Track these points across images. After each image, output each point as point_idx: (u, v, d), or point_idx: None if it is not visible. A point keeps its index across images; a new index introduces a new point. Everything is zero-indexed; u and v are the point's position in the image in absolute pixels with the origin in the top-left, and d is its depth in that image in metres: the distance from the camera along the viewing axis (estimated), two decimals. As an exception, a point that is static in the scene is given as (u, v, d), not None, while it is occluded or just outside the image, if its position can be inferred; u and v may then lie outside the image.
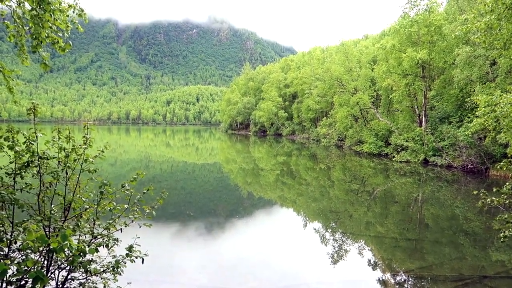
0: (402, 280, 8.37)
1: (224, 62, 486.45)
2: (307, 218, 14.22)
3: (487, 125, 6.91)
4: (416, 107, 35.07)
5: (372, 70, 42.14)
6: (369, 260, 9.62)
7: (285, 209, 16.35)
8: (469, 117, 26.37)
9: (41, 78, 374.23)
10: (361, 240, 11.40)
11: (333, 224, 13.37)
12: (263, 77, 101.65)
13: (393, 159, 33.61)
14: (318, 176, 25.89)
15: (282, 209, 16.44)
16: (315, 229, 12.57)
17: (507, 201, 5.29)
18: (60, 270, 4.55)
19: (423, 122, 33.53)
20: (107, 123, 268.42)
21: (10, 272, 3.49)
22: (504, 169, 5.15)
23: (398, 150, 34.04)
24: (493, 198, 5.52)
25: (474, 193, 6.13)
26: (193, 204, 15.44)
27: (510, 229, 5.34)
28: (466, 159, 26.77)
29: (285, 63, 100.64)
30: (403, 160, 32.31)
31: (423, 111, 33.80)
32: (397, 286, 8.02)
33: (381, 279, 8.35)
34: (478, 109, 7.86)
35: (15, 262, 3.79)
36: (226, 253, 9.83)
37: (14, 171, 4.34)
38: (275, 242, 10.94)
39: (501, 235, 5.36)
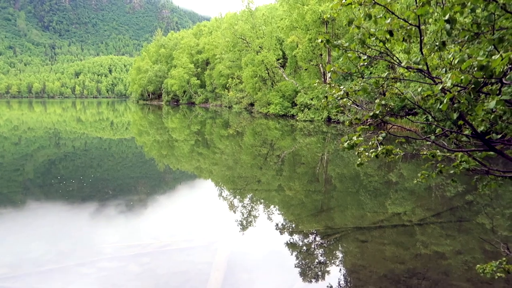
0: (310, 240, 8.07)
1: (139, 31, 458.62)
2: (223, 187, 13.71)
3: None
4: (321, 65, 34.03)
5: (279, 28, 40.26)
6: (277, 224, 9.07)
7: (202, 179, 15.54)
8: (370, 72, 25.64)
9: None
10: (271, 205, 10.93)
11: (248, 190, 12.66)
12: (175, 43, 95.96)
13: (298, 119, 32.56)
14: (231, 143, 24.64)
15: (199, 180, 15.54)
16: (230, 197, 12.04)
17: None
18: None
19: (327, 80, 32.63)
20: (5, 97, 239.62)
21: None
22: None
23: (302, 109, 32.95)
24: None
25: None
26: (112, 182, 14.06)
27: (362, 151, 3.89)
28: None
29: (198, 29, 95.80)
30: (307, 119, 31.33)
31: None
32: (304, 247, 7.66)
33: (289, 241, 7.92)
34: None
35: None
36: (148, 228, 9.00)
37: None
38: (195, 213, 10.41)
39: (343, 145, 3.59)
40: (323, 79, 33.80)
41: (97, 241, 7.86)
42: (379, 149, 3.75)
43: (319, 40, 3.71)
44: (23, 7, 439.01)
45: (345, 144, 3.74)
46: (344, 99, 3.78)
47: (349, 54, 3.63)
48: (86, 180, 13.94)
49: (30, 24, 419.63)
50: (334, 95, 3.74)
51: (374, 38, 3.48)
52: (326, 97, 3.88)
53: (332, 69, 3.75)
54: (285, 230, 8.63)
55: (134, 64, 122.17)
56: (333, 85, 3.90)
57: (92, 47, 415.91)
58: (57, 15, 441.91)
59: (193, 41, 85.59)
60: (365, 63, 3.61)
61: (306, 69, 36.25)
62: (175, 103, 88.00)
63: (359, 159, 3.93)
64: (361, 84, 3.71)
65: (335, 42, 3.57)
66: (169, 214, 10.08)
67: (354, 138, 3.69)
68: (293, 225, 8.97)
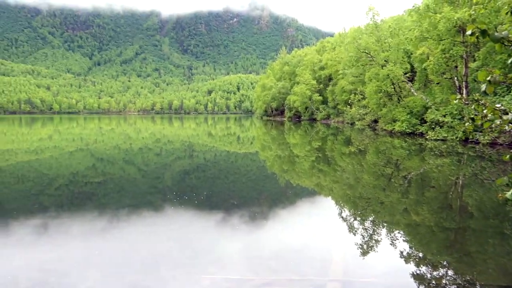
0: (439, 274, 7.15)
1: (265, 50, 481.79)
2: (343, 207, 13.30)
3: None
4: (456, 78, 30.82)
5: (407, 40, 37.84)
6: (402, 252, 8.29)
7: (322, 197, 15.40)
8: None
9: (89, 71, 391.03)
10: (395, 230, 10.07)
11: (370, 212, 12.22)
12: (298, 60, 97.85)
13: (427, 137, 29.89)
14: (353, 161, 23.91)
15: (318, 198, 15.44)
16: (349, 219, 11.55)
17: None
18: None
19: (464, 95, 29.36)
20: (150, 113, 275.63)
21: None
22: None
23: (433, 127, 30.13)
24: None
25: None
26: (237, 193, 15.14)
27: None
28: (514, 134, 22.76)
29: (321, 45, 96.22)
30: (438, 138, 28.52)
31: (464, 82, 29.57)
32: (433, 281, 6.83)
33: (415, 272, 7.17)
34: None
35: None
36: (252, 258, 9.03)
37: None
38: (307, 241, 10.02)
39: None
40: (458, 94, 30.57)
41: (198, 268, 7.65)
42: None
43: (469, 32, 2.91)
44: (167, 34, 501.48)
45: (509, 195, 2.61)
46: (499, 122, 2.89)
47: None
48: (213, 192, 14.72)
49: (172, 49, 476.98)
50: (491, 117, 2.82)
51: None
52: (473, 119, 3.05)
53: (489, 78, 2.83)
54: (411, 260, 7.62)
55: (259, 82, 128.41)
56: (483, 101, 3.10)
57: (223, 66, 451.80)
58: (195, 39, 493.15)
59: (316, 57, 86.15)
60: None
61: (438, 83, 33.26)
62: (297, 119, 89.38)
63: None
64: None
65: (496, 34, 2.68)
66: (279, 241, 9.59)
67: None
68: (421, 256, 7.83)
